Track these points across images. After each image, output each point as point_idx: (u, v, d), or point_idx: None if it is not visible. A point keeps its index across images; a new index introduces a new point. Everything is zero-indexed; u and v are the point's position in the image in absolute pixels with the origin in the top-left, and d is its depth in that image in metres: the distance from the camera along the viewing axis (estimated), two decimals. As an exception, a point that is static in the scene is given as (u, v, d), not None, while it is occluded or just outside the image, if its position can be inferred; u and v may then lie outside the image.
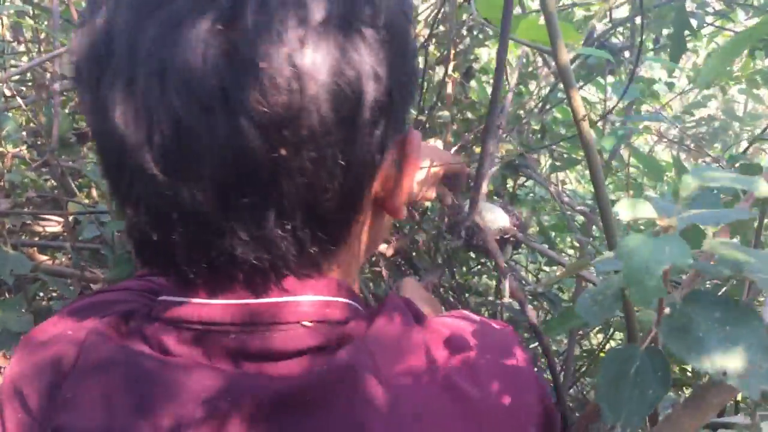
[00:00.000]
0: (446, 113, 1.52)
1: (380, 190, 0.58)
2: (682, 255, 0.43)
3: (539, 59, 1.57)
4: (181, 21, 0.44)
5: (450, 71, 1.50)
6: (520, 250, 1.44)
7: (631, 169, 1.69)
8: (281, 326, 0.53)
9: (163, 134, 0.45)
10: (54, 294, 1.77)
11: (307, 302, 0.54)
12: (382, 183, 0.57)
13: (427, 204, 1.33)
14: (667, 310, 0.46)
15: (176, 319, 0.55)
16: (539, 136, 1.56)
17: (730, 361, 0.41)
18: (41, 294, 1.74)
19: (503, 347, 0.61)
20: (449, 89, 1.50)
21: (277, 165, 0.46)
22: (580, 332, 1.49)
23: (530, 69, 1.59)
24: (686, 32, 1.37)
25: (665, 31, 1.59)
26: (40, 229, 1.59)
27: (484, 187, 0.98)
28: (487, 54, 1.80)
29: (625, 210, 0.47)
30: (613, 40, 1.71)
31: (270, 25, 0.44)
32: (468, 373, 0.56)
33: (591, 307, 0.51)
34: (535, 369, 0.63)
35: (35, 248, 1.51)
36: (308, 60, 0.45)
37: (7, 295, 1.54)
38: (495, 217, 1.18)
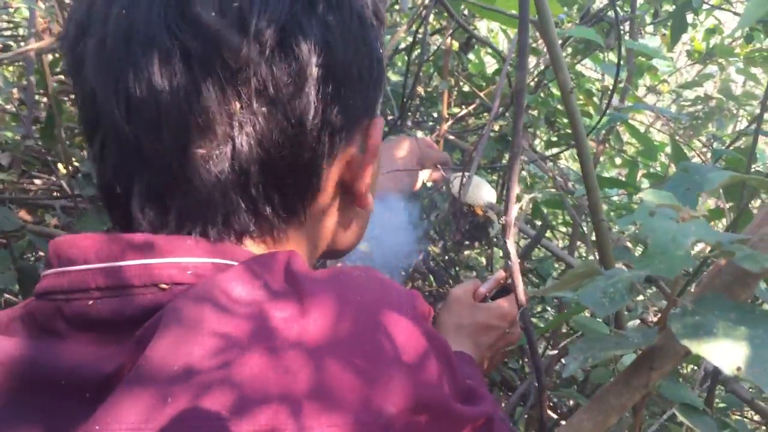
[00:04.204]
0: (443, 83, 1.50)
1: (346, 175, 0.60)
2: (708, 234, 0.44)
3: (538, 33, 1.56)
4: None
5: (448, 42, 1.48)
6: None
7: (626, 147, 1.69)
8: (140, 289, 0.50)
9: (127, 85, 0.50)
10: (42, 253, 1.76)
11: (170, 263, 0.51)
12: (347, 165, 0.60)
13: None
14: (677, 309, 0.47)
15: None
16: (536, 112, 1.55)
17: (745, 359, 0.42)
18: (30, 255, 1.73)
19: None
20: (446, 60, 1.49)
21: (231, 118, 0.50)
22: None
23: (532, 44, 1.58)
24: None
25: (665, 6, 1.57)
26: (30, 186, 1.58)
27: (475, 165, 0.97)
28: (485, 26, 1.78)
29: (650, 198, 0.48)
30: (611, 14, 1.69)
31: None
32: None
33: (600, 299, 0.51)
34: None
35: (24, 209, 1.50)
36: (255, 18, 0.49)
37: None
38: (481, 193, 1.18)
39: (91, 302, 0.49)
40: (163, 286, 0.49)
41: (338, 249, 0.68)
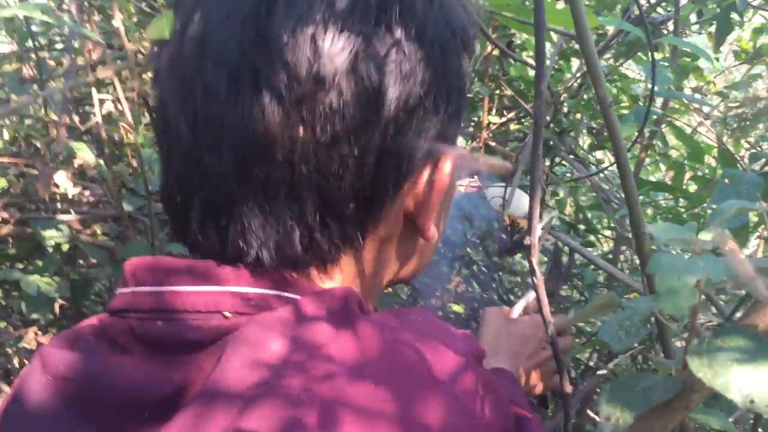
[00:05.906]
0: (483, 89, 1.50)
1: (412, 207, 0.58)
2: (715, 270, 0.43)
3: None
4: (225, 5, 0.50)
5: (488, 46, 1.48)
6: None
7: (672, 150, 1.66)
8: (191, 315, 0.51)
9: (196, 101, 0.50)
10: (93, 261, 1.80)
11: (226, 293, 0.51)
12: (413, 198, 0.58)
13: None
14: (695, 341, 0.46)
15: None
16: (577, 115, 1.54)
17: (760, 392, 0.41)
18: (82, 263, 1.77)
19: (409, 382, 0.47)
20: (487, 65, 1.48)
21: (293, 143, 0.49)
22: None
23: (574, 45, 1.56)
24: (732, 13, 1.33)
25: (710, 4, 1.54)
26: (81, 197, 1.62)
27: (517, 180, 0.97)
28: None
29: (661, 233, 0.47)
30: (654, 15, 1.67)
31: (298, 6, 0.48)
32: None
33: (617, 332, 0.51)
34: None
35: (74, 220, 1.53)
36: (328, 42, 0.48)
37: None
38: (520, 203, 1.19)
39: (160, 323, 0.51)
40: (227, 314, 0.50)
41: (399, 279, 0.66)
